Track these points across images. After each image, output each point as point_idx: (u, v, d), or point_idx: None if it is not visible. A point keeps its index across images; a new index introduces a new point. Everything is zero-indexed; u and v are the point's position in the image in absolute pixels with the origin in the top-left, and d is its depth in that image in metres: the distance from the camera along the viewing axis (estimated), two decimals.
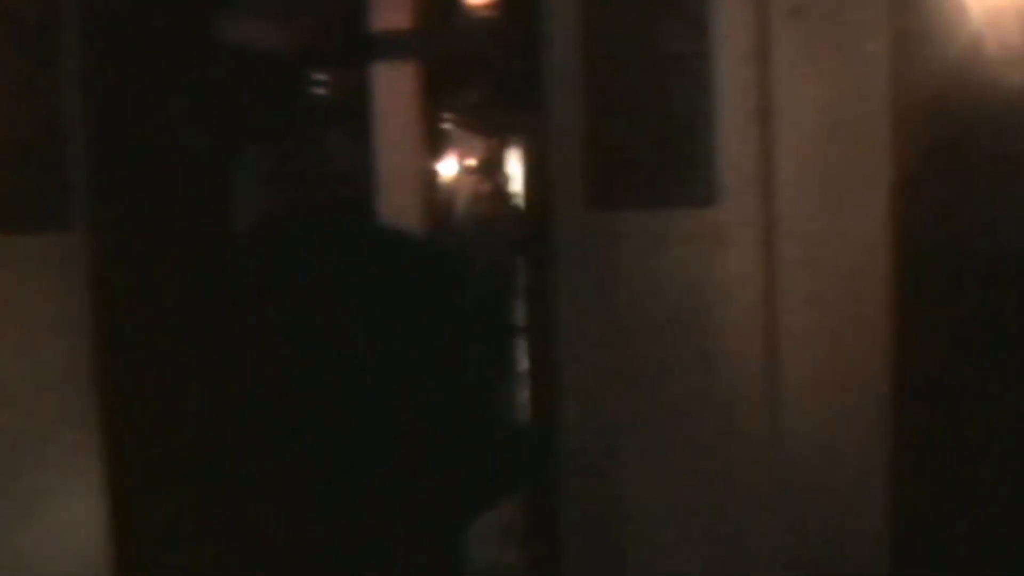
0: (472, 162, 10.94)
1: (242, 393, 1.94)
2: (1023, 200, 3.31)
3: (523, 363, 4.06)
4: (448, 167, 10.31)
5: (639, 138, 3.32)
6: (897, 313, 3.28)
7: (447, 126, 9.77)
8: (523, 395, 4.10)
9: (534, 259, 3.66)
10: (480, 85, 7.47)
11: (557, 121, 3.37)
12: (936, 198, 3.31)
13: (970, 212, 3.33)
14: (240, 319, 1.96)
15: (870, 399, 3.32)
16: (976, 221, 3.34)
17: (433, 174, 8.21)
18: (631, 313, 3.40)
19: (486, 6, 5.73)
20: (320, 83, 1.98)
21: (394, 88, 5.38)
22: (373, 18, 5.26)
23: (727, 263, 3.35)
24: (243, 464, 1.92)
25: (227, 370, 1.95)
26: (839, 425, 3.34)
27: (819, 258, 3.30)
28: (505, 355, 5.70)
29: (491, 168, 10.39)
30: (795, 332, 3.24)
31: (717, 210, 3.35)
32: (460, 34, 5.87)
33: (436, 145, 8.52)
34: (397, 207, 5.18)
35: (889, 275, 3.29)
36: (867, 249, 3.28)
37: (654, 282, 3.36)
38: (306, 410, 1.93)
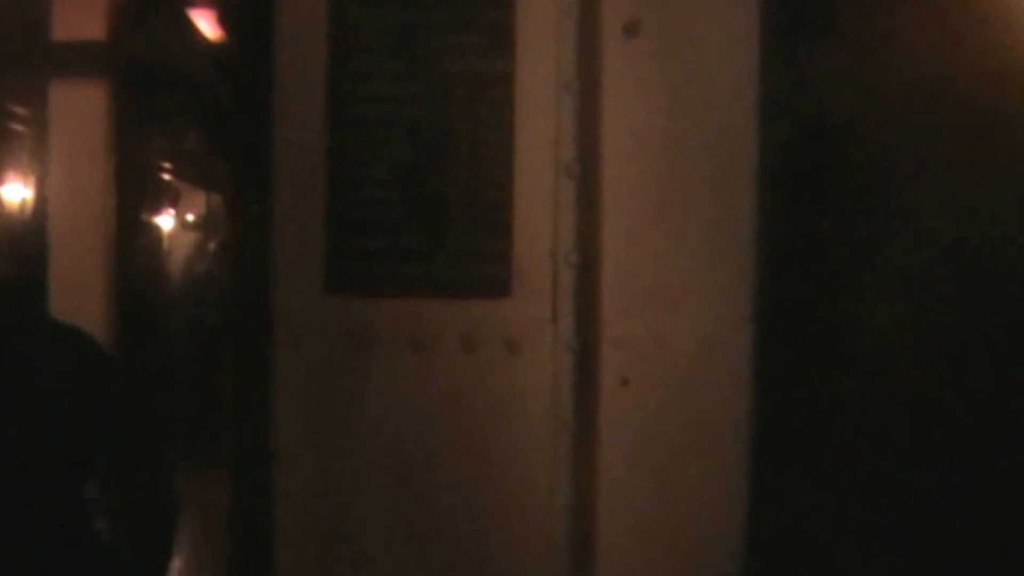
0: (192, 217, 9.67)
1: None
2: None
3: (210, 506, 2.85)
4: (163, 221, 8.97)
5: (402, 202, 2.32)
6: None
7: (164, 175, 8.47)
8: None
9: (252, 357, 2.55)
10: (204, 127, 6.27)
11: (291, 176, 2.35)
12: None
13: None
14: None
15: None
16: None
17: (139, 229, 6.92)
18: (379, 434, 2.38)
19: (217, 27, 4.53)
20: None
21: (81, 125, 4.11)
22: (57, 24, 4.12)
23: (518, 373, 2.37)
24: None
25: None
26: None
27: (650, 373, 2.36)
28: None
29: (215, 225, 8.99)
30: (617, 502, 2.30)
31: (510, 303, 2.37)
32: (176, 59, 4.71)
33: (147, 194, 7.24)
34: (77, 273, 3.96)
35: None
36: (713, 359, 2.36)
37: (416, 396, 2.36)
38: None
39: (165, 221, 8.95)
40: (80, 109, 3.99)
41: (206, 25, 4.59)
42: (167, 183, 8.58)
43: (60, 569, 1.69)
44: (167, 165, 8.11)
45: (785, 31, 2.35)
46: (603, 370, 2.34)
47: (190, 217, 9.62)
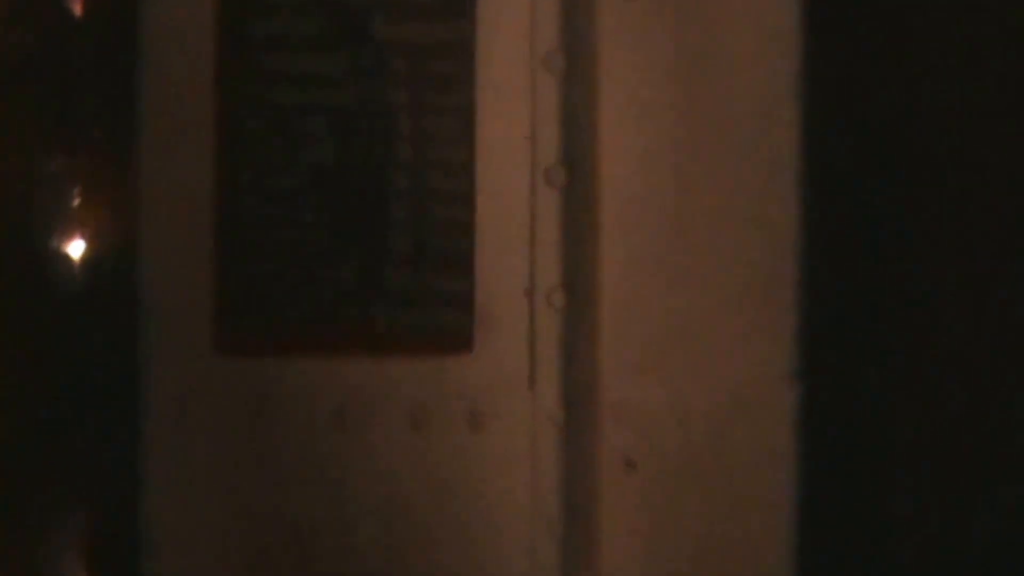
0: None
1: None
2: None
3: None
4: None
5: (322, 224, 1.64)
6: None
7: None
8: None
9: (114, 440, 1.81)
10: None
11: (163, 189, 1.63)
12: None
13: None
14: None
15: None
16: None
17: None
18: (292, 538, 1.72)
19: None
20: None
21: None
22: None
23: (484, 456, 1.73)
24: None
25: None
26: None
27: (663, 452, 1.74)
28: None
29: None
30: None
31: (472, 361, 1.73)
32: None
33: None
34: None
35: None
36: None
37: (342, 487, 1.69)
38: None
39: None
40: None
41: None
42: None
43: None
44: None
45: None
46: (600, 450, 1.72)
47: None
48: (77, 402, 1.76)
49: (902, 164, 1.77)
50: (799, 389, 1.74)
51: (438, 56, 1.68)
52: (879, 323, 1.78)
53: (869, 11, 1.81)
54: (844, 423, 1.77)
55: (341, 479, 1.70)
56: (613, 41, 1.70)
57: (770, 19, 1.73)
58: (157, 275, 1.65)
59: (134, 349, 1.65)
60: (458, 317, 1.68)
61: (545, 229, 1.70)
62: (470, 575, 1.70)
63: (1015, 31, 1.80)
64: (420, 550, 1.69)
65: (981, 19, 1.81)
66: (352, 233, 1.66)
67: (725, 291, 1.72)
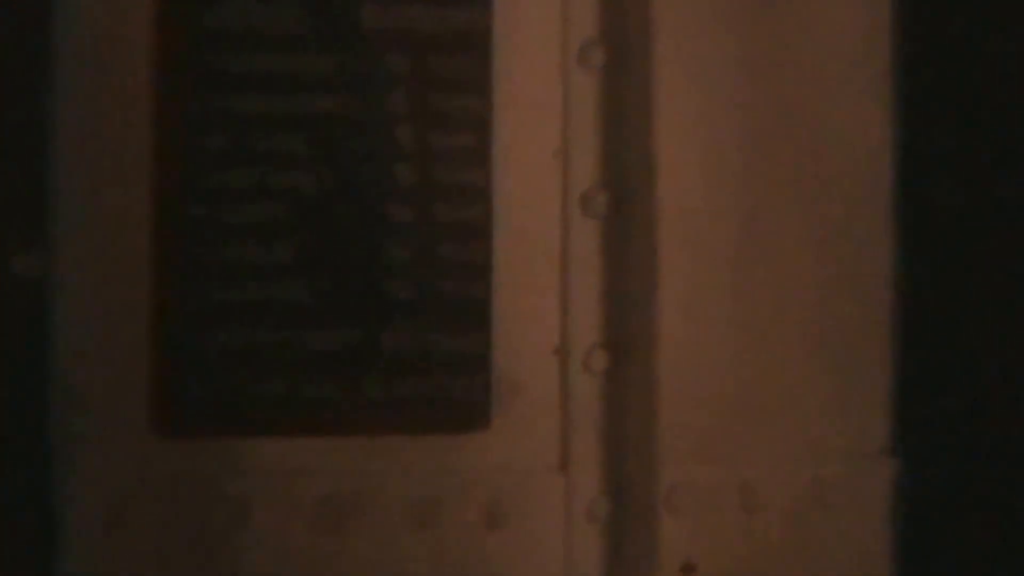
0: None
1: None
2: None
3: None
4: None
5: (297, 270, 1.23)
6: None
7: None
8: None
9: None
10: None
11: (88, 227, 1.23)
12: None
13: None
14: None
15: None
16: None
17: None
18: None
19: None
20: None
21: None
22: None
23: (505, 560, 1.35)
24: None
25: None
26: None
27: (731, 551, 1.37)
28: None
29: None
30: None
31: (490, 441, 1.34)
32: None
33: None
34: None
35: None
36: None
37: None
38: None
39: None
40: None
41: None
42: None
43: None
44: None
45: None
46: (651, 551, 1.36)
47: None
48: None
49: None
50: (894, 469, 1.39)
51: (446, 51, 1.30)
52: (992, 389, 1.43)
53: None
54: (947, 510, 1.42)
55: None
56: (670, 28, 1.33)
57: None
58: (76, 339, 1.25)
59: (43, 437, 1.26)
60: (471, 385, 1.31)
61: (581, 271, 1.34)
62: None
63: None
64: None
65: None
66: (338, 280, 1.28)
67: (806, 350, 1.36)
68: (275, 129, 1.25)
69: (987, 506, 1.43)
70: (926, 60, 1.39)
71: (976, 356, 1.44)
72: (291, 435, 1.30)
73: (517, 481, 1.34)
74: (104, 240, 1.27)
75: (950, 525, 1.42)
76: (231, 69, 1.24)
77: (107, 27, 1.21)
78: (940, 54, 1.41)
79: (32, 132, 1.20)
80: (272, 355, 1.28)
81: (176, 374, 1.28)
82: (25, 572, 1.29)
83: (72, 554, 1.28)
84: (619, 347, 1.34)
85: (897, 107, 1.39)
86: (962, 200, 1.41)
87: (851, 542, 1.39)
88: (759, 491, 1.36)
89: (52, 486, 1.28)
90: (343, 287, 1.28)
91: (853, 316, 1.38)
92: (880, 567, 1.40)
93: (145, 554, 1.28)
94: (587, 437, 1.35)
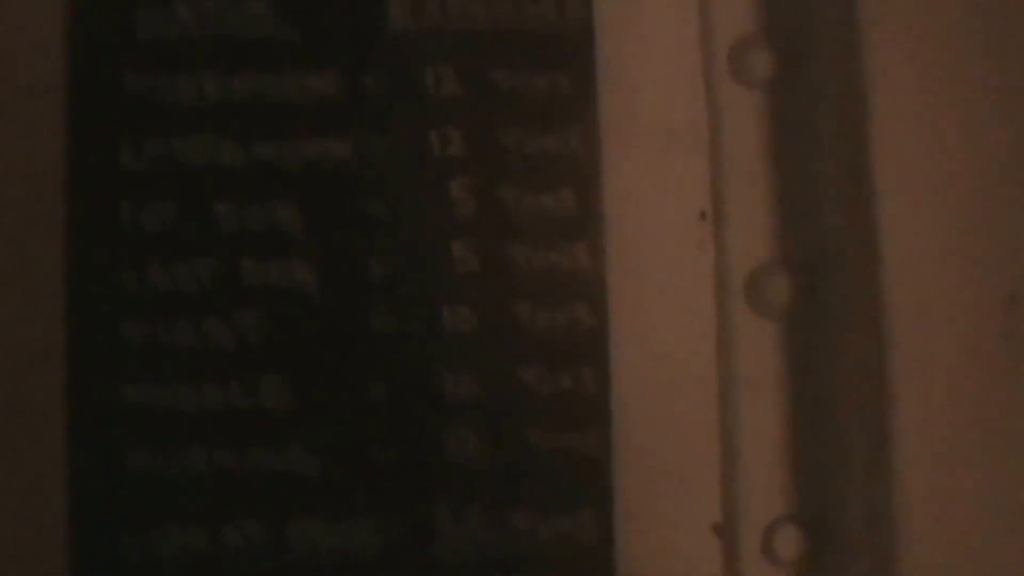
0: None
1: None
2: None
3: None
4: None
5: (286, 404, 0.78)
6: None
7: None
8: None
9: None
10: None
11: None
12: None
13: None
14: None
15: None
16: None
17: None
18: None
19: None
20: None
21: None
22: None
23: None
24: None
25: None
26: None
27: None
28: None
29: None
30: None
31: None
32: None
33: None
34: None
35: None
36: None
37: None
38: None
39: None
40: None
41: None
42: None
43: None
44: None
45: None
46: None
47: None
48: None
49: None
50: None
51: (523, 68, 0.83)
52: None
53: None
54: None
55: None
56: (873, 22, 0.83)
57: None
58: None
59: None
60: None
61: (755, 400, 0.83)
62: None
63: None
64: None
65: None
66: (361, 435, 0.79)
67: None
68: (247, 181, 0.77)
69: None
70: None
71: None
72: None
73: None
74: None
75: None
76: (163, 99, 0.78)
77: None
78: None
79: None
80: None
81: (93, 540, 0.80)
82: None
83: None
84: (828, 522, 0.83)
85: None
86: None
87: None
88: None
89: None
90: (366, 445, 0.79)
91: None
92: None
93: None
94: None
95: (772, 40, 0.86)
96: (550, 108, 0.82)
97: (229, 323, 0.78)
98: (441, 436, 0.77)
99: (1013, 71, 0.83)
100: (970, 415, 0.80)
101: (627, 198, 0.83)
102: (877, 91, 0.83)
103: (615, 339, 0.81)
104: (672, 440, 0.83)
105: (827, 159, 0.84)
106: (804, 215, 0.85)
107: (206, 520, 0.77)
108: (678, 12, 0.86)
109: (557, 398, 0.79)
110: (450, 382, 0.78)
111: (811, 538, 0.83)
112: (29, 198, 0.81)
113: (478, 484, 0.78)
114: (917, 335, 0.79)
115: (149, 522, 0.77)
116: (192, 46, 0.79)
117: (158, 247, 0.79)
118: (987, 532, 0.82)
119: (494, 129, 0.82)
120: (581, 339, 0.80)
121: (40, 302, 0.80)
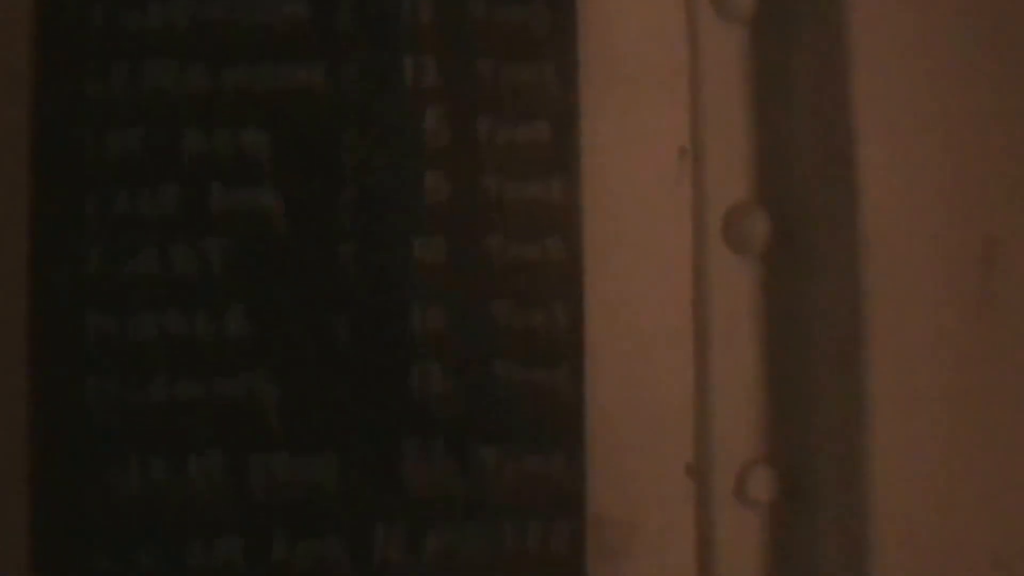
0: None
1: None
2: None
3: None
4: None
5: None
6: None
7: None
8: None
9: None
10: None
11: None
12: None
13: None
14: None
15: None
16: None
17: None
18: None
19: None
20: None
21: None
22: None
23: None
24: None
25: None
26: None
27: None
28: None
29: None
30: None
31: None
32: None
33: None
34: None
35: None
36: None
37: None
38: None
39: None
40: None
41: None
42: None
43: None
44: None
45: None
46: None
47: None
48: None
49: None
50: None
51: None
52: None
53: None
54: None
55: None
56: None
57: None
58: None
59: None
60: (559, 531, 0.80)
61: (730, 326, 0.82)
62: None
63: None
64: None
65: None
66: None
67: None
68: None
69: None
70: None
71: None
72: None
73: None
74: None
75: None
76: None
77: None
78: None
79: None
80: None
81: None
82: None
83: None
84: (797, 464, 0.82)
85: None
86: None
87: None
88: None
89: None
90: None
91: None
92: None
93: None
94: None
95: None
96: (528, 39, 0.80)
97: (195, 250, 0.76)
98: (407, 369, 0.76)
99: (993, 9, 0.81)
100: (947, 357, 0.79)
101: (605, 132, 0.82)
102: (858, 31, 0.81)
103: (589, 274, 0.79)
104: (646, 379, 0.81)
105: (808, 98, 0.83)
106: (783, 155, 0.83)
107: (167, 451, 0.75)
108: None
109: (528, 333, 0.78)
110: (418, 314, 0.76)
111: (785, 480, 0.82)
112: None
113: (444, 419, 0.76)
114: (894, 276, 0.78)
115: (109, 453, 0.76)
116: None
117: (123, 173, 0.77)
118: (959, 476, 0.82)
119: (471, 59, 0.80)
120: (554, 273, 0.78)
121: None
